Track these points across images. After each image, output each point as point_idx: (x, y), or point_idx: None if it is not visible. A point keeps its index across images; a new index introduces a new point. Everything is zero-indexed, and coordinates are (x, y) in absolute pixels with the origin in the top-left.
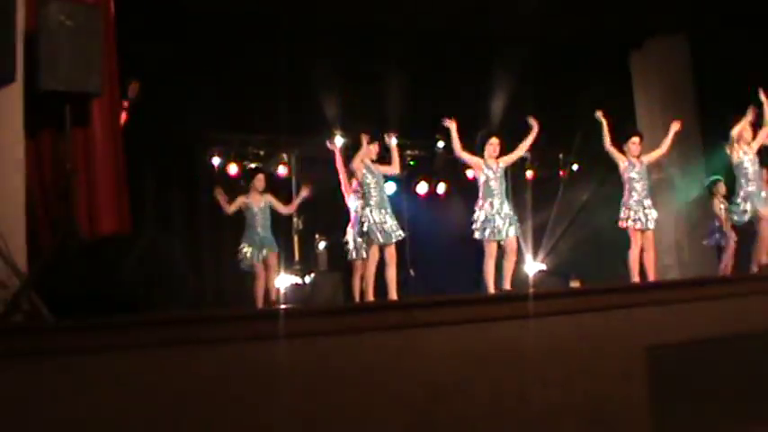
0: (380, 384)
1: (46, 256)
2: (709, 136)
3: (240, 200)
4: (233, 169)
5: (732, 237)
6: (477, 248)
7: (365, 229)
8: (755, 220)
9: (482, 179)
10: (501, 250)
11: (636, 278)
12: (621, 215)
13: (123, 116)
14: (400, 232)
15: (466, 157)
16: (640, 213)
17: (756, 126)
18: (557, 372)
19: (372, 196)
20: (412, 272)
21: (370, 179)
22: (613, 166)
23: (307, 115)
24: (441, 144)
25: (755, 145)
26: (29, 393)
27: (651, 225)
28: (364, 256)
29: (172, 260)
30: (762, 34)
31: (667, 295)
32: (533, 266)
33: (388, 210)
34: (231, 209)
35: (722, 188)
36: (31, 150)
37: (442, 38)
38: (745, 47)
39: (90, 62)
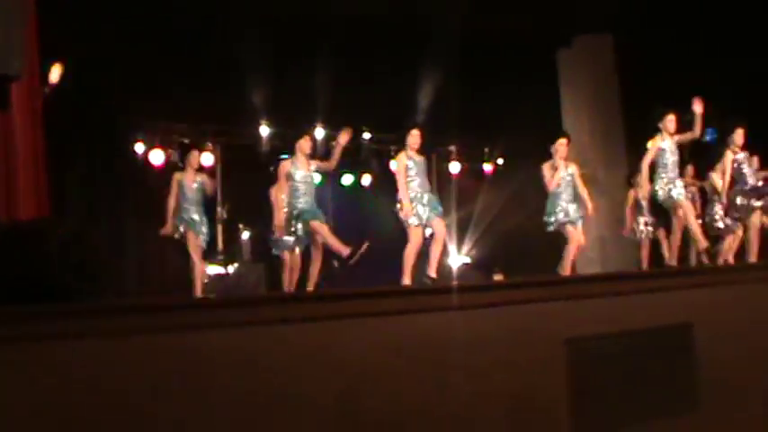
0: (305, 376)
1: None
2: (632, 132)
3: (175, 177)
4: (156, 156)
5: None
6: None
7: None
8: (672, 209)
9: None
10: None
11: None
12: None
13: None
14: None
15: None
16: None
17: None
18: (479, 363)
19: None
20: (336, 263)
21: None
22: (537, 162)
23: (233, 103)
24: (366, 135)
25: (677, 138)
26: None
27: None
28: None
29: (95, 247)
30: (683, 35)
31: (586, 289)
32: (457, 259)
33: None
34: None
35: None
36: None
37: (370, 29)
38: (668, 47)
39: (10, 45)
